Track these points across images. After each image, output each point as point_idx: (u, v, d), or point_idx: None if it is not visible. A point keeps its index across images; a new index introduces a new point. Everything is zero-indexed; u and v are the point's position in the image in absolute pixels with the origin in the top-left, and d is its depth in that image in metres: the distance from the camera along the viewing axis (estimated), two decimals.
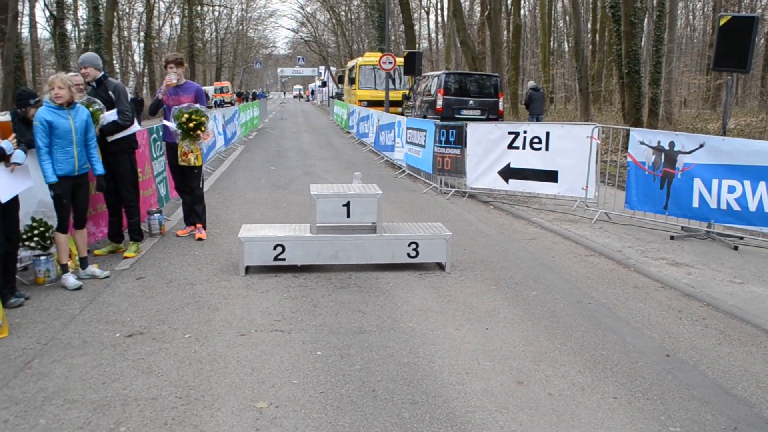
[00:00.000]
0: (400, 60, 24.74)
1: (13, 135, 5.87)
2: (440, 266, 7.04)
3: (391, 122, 16.69)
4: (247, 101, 50.13)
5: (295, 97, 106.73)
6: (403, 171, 14.75)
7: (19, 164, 5.76)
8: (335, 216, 6.73)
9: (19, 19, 27.28)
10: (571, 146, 10.07)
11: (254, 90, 68.06)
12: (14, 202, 5.79)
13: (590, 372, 4.61)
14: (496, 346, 5.00)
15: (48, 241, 6.48)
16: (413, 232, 6.98)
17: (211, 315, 5.60)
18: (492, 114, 19.15)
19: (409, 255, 6.89)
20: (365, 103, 27.38)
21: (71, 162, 6.16)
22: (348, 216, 6.73)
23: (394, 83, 27.25)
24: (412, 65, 21.67)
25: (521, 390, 4.31)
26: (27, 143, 5.98)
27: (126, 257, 7.31)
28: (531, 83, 21.19)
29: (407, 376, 4.45)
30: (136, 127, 7.47)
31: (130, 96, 7.58)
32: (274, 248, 6.71)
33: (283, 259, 6.74)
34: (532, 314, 5.75)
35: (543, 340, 5.17)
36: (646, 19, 23.60)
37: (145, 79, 51.28)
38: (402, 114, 20.93)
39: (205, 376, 4.43)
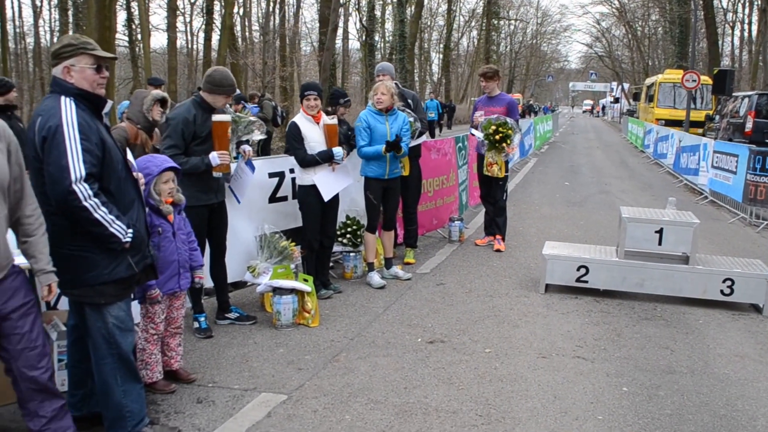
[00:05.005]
0: (704, 78, 22.79)
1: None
2: (756, 308, 6.16)
3: (695, 144, 15.39)
4: (527, 115, 48.70)
5: (584, 112, 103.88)
6: (705, 197, 13.40)
7: (339, 163, 6.08)
8: (646, 242, 6.24)
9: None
10: None
11: (529, 101, 66.51)
12: (335, 199, 6.13)
13: None
14: None
15: (358, 239, 6.78)
16: (729, 268, 6.21)
17: (511, 331, 5.39)
18: None
19: (722, 292, 6.15)
20: (663, 122, 25.59)
21: (383, 166, 6.36)
22: (659, 243, 6.19)
23: (695, 103, 25.09)
24: (723, 84, 19.82)
25: None
26: (347, 142, 6.32)
27: (407, 263, 7.42)
28: None
29: None
30: (424, 136, 7.62)
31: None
32: (578, 269, 6.37)
33: (586, 282, 6.38)
34: None
35: None
36: None
37: (441, 89, 53.50)
38: (704, 135, 19.23)
39: (506, 396, 4.22)
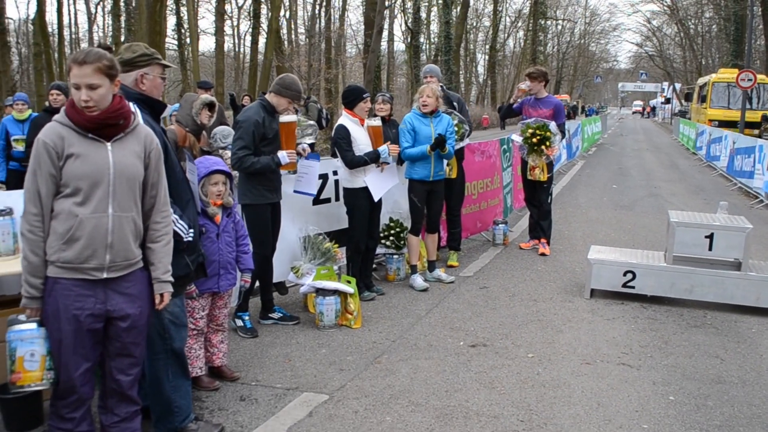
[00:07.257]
0: (760, 77, 22.07)
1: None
2: None
3: (750, 146, 15.00)
4: (573, 117, 47.18)
5: (634, 113, 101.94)
6: (761, 200, 13.03)
7: (387, 163, 6.12)
8: (695, 247, 6.07)
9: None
10: None
11: (574, 103, 64.66)
12: (379, 200, 6.17)
13: None
14: None
15: (401, 242, 6.79)
16: None
17: (555, 337, 5.33)
18: None
19: None
20: (716, 123, 24.96)
21: (427, 167, 6.35)
22: (710, 249, 6.02)
23: (750, 103, 24.38)
24: None
25: None
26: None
27: (451, 266, 7.41)
28: None
29: None
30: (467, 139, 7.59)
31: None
32: (624, 274, 6.26)
33: (632, 287, 6.25)
34: None
35: None
36: None
37: (487, 90, 53.22)
38: (759, 137, 18.67)
39: (548, 402, 4.17)
